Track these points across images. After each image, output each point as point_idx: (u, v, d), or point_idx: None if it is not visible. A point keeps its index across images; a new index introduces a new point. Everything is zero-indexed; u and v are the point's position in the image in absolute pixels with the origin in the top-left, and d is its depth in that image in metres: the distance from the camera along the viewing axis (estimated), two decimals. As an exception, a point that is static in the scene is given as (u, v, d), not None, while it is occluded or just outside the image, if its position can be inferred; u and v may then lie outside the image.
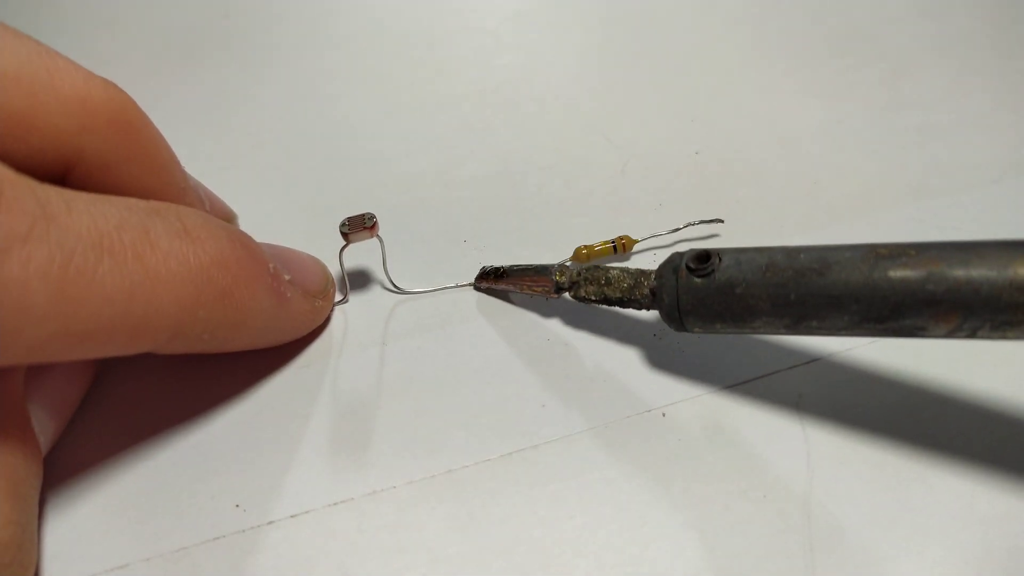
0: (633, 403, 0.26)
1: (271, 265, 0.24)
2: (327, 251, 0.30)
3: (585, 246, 0.31)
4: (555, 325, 0.29)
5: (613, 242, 0.31)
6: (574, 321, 0.29)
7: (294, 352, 0.28)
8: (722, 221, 0.32)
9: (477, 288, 0.30)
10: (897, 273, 0.20)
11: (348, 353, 0.28)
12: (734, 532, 0.23)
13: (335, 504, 0.24)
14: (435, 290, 0.30)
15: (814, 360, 0.28)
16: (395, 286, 0.30)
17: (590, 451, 0.25)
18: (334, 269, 0.30)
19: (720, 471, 0.25)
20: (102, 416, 0.26)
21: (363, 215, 0.28)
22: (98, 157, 0.21)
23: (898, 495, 0.24)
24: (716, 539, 0.23)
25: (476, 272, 0.30)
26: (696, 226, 0.32)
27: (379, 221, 0.28)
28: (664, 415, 0.26)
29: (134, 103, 0.22)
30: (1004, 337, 0.19)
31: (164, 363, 0.27)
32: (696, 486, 0.24)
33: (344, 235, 0.27)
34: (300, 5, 0.45)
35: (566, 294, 0.28)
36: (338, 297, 0.30)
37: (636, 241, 0.31)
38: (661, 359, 0.28)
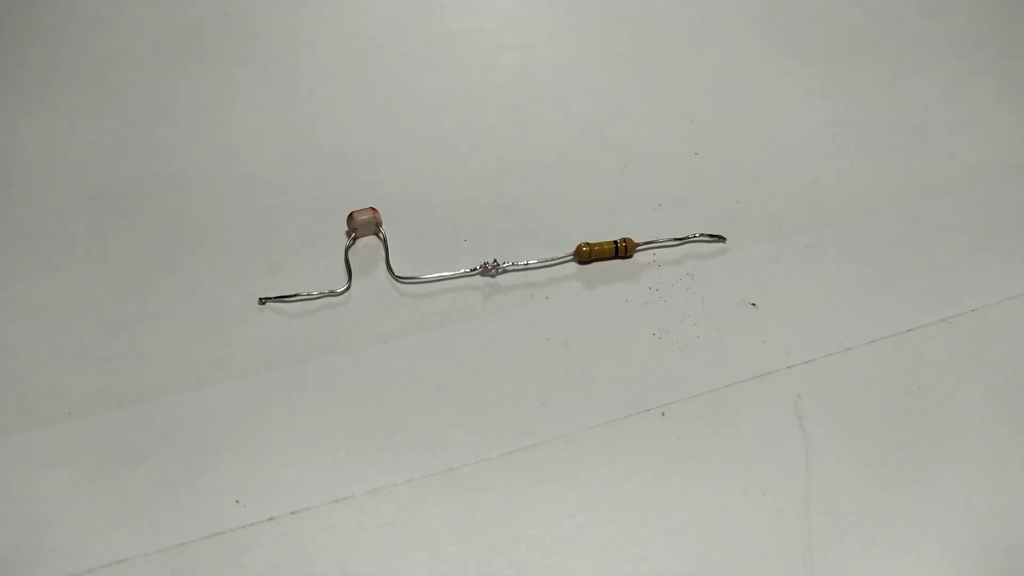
0: (633, 403, 0.26)
1: None
2: (330, 248, 0.30)
3: (587, 243, 0.31)
4: (555, 325, 0.29)
5: (615, 242, 0.31)
6: (574, 321, 0.29)
7: (297, 348, 0.28)
8: (724, 239, 0.32)
9: None
10: None
11: (350, 350, 0.28)
12: (733, 531, 0.23)
13: (336, 501, 0.24)
14: (436, 279, 0.30)
15: (813, 360, 0.28)
16: (396, 276, 0.30)
17: (590, 451, 0.25)
18: (339, 265, 0.30)
19: (720, 470, 0.25)
20: (99, 409, 0.26)
21: (368, 215, 0.28)
22: None
23: (898, 495, 0.24)
24: (715, 538, 0.23)
25: (476, 270, 0.31)
26: (700, 239, 0.32)
27: (382, 220, 0.28)
28: (663, 415, 0.26)
29: None
30: None
31: (163, 360, 0.27)
32: (695, 485, 0.24)
33: (348, 234, 0.28)
34: (302, 6, 0.45)
35: None
36: (342, 287, 0.30)
37: (638, 245, 0.31)
38: (661, 359, 0.28)
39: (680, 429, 0.26)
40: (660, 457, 0.25)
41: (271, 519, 0.23)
